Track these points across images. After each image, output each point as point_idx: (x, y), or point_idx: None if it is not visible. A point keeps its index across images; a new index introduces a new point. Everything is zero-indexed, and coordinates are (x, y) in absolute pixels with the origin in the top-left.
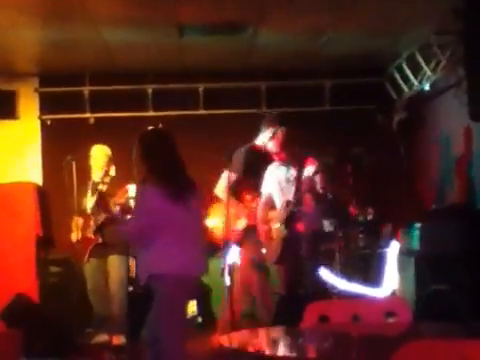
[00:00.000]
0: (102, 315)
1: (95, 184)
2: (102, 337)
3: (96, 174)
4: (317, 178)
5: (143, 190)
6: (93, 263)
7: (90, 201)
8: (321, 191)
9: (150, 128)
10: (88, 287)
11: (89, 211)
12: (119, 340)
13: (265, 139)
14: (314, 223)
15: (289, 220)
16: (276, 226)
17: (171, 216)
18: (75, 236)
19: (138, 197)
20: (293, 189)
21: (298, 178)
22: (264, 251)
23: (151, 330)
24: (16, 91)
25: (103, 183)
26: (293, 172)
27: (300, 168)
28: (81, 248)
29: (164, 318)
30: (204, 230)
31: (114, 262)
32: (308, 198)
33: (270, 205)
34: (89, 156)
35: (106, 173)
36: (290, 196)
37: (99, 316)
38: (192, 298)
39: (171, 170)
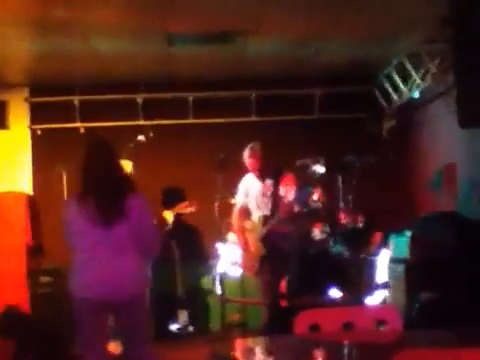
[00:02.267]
0: None
1: None
2: None
3: None
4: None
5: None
6: None
7: None
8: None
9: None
10: None
11: None
12: (116, 348)
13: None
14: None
15: (267, 237)
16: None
17: (82, 234)
18: None
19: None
20: (269, 204)
21: (275, 193)
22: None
23: None
24: (6, 101)
25: None
26: (270, 187)
27: (277, 183)
28: None
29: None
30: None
31: None
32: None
33: (245, 214)
34: None
35: None
36: (266, 210)
37: None
38: (102, 318)
39: (92, 187)
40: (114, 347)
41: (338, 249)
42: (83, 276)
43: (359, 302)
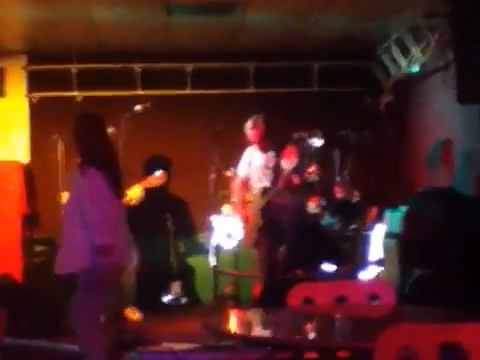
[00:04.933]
0: None
1: None
2: None
3: None
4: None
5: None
6: None
7: None
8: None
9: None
10: None
11: None
12: (134, 314)
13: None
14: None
15: (266, 208)
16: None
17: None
18: None
19: None
20: (271, 176)
21: (277, 166)
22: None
23: None
24: (4, 68)
25: None
26: (272, 159)
27: (278, 156)
28: None
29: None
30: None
31: None
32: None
33: (246, 187)
34: None
35: None
36: (267, 182)
37: None
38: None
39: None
40: (132, 313)
41: (328, 221)
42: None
43: (352, 276)
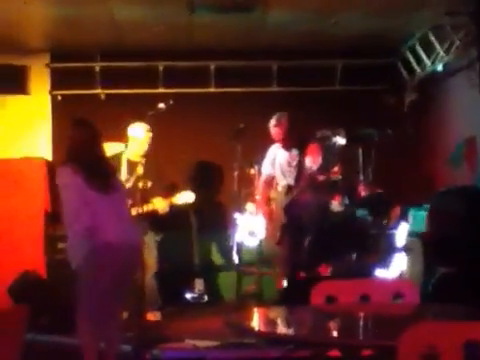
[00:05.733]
0: None
1: (132, 163)
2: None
3: (135, 155)
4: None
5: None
6: None
7: (127, 180)
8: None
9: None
10: None
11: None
12: (154, 316)
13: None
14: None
15: (289, 206)
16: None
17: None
18: None
19: None
20: (294, 173)
21: (300, 163)
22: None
23: None
24: (27, 66)
25: (141, 164)
26: (296, 157)
27: (302, 154)
28: None
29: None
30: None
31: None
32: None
33: (270, 185)
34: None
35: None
36: (291, 180)
37: None
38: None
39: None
40: (152, 316)
41: (361, 213)
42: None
43: (376, 268)
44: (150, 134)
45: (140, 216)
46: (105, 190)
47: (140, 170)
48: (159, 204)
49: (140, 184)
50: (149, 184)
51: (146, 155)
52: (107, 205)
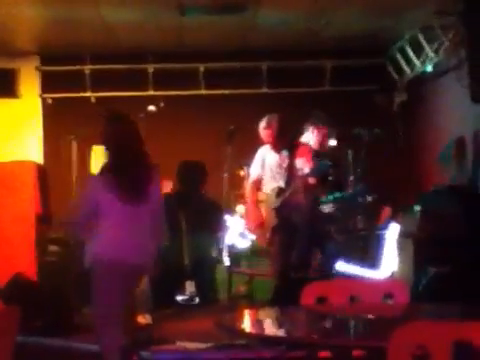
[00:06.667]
0: None
1: None
2: None
3: None
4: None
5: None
6: None
7: None
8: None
9: (114, 113)
10: None
11: None
12: (145, 319)
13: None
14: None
15: (281, 207)
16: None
17: (114, 207)
18: None
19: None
20: (285, 175)
21: (291, 166)
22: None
23: None
24: (17, 69)
25: None
26: (286, 158)
27: (292, 155)
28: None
29: (94, 300)
30: (158, 216)
31: None
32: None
33: (258, 186)
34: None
35: None
36: (281, 182)
37: None
38: (130, 284)
39: (126, 164)
40: (142, 318)
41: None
42: (116, 242)
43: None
44: None
45: None
46: (134, 201)
47: None
48: None
49: None
50: None
51: None
52: (129, 218)
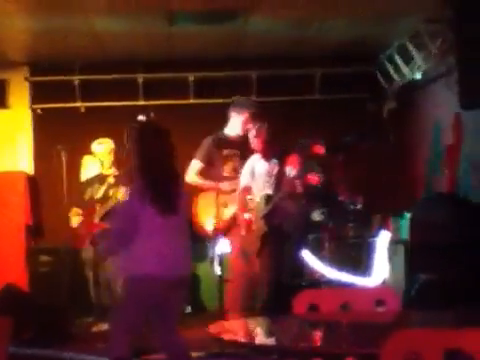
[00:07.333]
0: (103, 304)
1: (104, 176)
2: (102, 326)
3: (105, 167)
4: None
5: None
6: (91, 251)
7: (98, 191)
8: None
9: (144, 120)
10: (87, 275)
11: (96, 199)
12: None
13: (236, 129)
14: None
15: (270, 216)
16: (253, 216)
17: (150, 220)
18: (76, 220)
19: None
20: (274, 183)
21: (280, 173)
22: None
23: None
24: (7, 80)
25: (113, 176)
26: (275, 167)
27: (282, 164)
28: (83, 233)
29: (119, 311)
30: (187, 230)
31: None
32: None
33: (248, 194)
34: (90, 151)
35: (113, 165)
36: (270, 191)
37: (100, 305)
38: (170, 297)
39: (163, 179)
40: None
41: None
42: (153, 257)
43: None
44: (112, 147)
45: None
46: (170, 213)
47: (111, 180)
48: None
49: (111, 192)
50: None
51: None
52: (168, 231)
